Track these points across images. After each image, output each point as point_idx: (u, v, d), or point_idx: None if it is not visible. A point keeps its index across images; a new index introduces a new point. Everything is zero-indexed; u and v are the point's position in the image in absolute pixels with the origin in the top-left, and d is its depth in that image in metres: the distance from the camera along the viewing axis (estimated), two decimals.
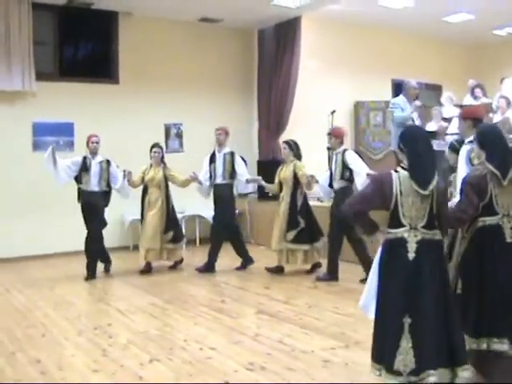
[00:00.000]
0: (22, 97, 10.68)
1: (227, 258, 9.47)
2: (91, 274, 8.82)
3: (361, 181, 8.19)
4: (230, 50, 12.89)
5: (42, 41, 11.11)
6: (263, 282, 8.50)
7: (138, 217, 11.11)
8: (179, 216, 9.96)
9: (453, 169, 5.91)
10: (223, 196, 9.26)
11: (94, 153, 8.94)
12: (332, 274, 8.45)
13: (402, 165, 4.10)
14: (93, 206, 8.80)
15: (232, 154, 9.33)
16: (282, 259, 8.96)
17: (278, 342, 5.72)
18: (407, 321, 3.87)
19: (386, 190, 3.98)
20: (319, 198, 10.13)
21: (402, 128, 9.19)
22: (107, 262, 9.23)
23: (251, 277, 8.95)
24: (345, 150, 8.50)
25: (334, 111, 11.45)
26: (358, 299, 7.17)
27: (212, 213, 9.55)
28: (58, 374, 5.01)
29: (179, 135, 11.90)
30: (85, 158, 8.94)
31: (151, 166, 9.34)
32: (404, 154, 4.08)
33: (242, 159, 9.54)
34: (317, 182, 8.79)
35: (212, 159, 9.35)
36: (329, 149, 10.92)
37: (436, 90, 14.29)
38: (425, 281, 3.91)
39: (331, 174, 8.58)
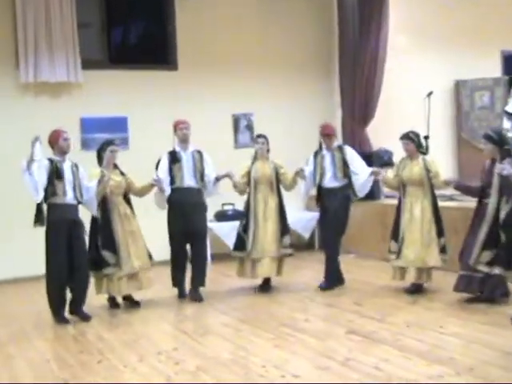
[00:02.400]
0: (66, 89, 10.89)
1: (312, 271, 9.32)
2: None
3: (361, 180, 8.74)
4: (306, 27, 12.79)
5: (87, 23, 11.28)
6: (354, 298, 8.42)
7: None
8: None
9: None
10: (197, 204, 8.71)
11: (65, 153, 7.79)
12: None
13: None
14: (78, 226, 7.75)
15: (200, 152, 8.80)
16: (275, 268, 8.89)
17: (372, 367, 5.64)
18: None
19: None
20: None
21: None
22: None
23: (339, 292, 8.86)
24: (342, 146, 9.00)
25: (431, 93, 11.32)
26: (466, 317, 7.11)
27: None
28: None
29: (250, 127, 11.89)
30: (51, 161, 7.66)
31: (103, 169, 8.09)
32: None
33: None
34: (304, 177, 8.92)
35: (175, 159, 8.62)
36: (426, 138, 10.81)
37: None
38: None
39: (322, 172, 8.84)
